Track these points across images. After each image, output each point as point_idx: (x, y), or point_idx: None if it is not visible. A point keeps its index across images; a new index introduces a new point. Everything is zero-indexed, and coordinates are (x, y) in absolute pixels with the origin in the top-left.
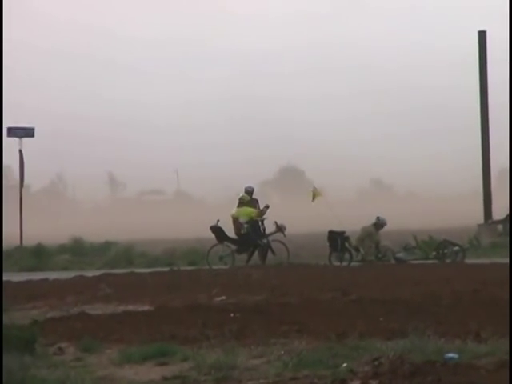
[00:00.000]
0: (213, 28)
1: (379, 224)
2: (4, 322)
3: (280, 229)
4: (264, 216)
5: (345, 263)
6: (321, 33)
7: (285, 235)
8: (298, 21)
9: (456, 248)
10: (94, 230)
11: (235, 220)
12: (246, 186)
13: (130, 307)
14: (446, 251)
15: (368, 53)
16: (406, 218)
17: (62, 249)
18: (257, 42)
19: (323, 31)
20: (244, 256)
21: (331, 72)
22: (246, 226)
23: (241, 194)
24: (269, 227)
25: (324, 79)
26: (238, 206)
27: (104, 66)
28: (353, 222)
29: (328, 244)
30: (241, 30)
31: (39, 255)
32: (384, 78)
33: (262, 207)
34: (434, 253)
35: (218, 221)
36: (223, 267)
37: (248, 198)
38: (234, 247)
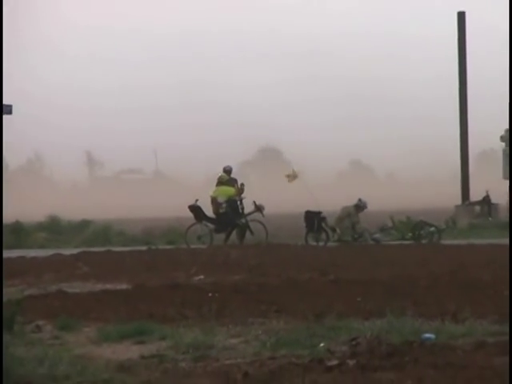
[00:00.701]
0: (170, 10)
1: (360, 206)
2: None
3: (258, 209)
4: (242, 195)
5: (321, 243)
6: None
7: (263, 215)
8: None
9: (432, 229)
10: (72, 209)
11: (214, 199)
12: (225, 165)
13: (108, 286)
14: (422, 232)
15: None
16: (384, 199)
17: (40, 227)
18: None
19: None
20: (222, 235)
21: (289, 56)
22: (224, 205)
23: (220, 174)
24: (247, 207)
25: (285, 63)
26: (217, 186)
27: (78, 51)
28: (331, 204)
29: (305, 224)
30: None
31: (17, 233)
32: (360, 63)
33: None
34: (410, 234)
35: (196, 200)
36: (201, 246)
37: (227, 178)
38: (212, 226)
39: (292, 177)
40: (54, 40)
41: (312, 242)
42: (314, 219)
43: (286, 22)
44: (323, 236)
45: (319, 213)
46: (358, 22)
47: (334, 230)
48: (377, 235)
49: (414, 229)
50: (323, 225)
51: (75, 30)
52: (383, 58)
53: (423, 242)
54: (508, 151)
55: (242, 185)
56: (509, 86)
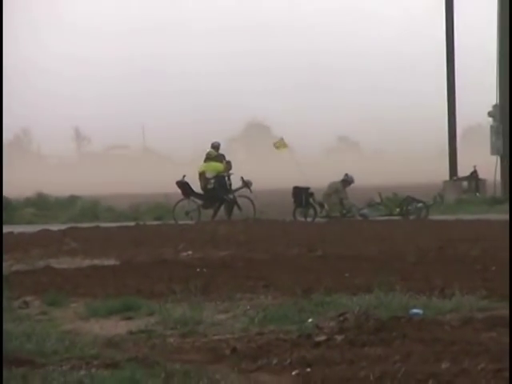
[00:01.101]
0: None
1: (347, 181)
2: None
3: (246, 184)
4: (230, 171)
5: (309, 219)
6: None
7: (251, 191)
8: None
9: (419, 204)
10: (60, 185)
11: (202, 175)
12: (213, 141)
13: (96, 261)
14: (409, 208)
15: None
16: (372, 175)
17: (27, 202)
18: None
19: None
20: (210, 211)
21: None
22: (212, 180)
23: (208, 150)
24: (235, 183)
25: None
26: (205, 161)
27: (64, 23)
28: (319, 179)
29: (293, 200)
30: None
31: (4, 209)
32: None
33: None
34: (398, 209)
35: (184, 176)
36: (189, 222)
37: (215, 154)
38: (200, 202)
39: (280, 145)
40: (50, 18)
41: (300, 218)
42: (301, 195)
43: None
44: (311, 212)
45: (307, 188)
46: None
47: (322, 205)
48: (364, 211)
49: (402, 204)
50: (311, 200)
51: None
52: (369, 32)
53: (411, 217)
54: (496, 127)
55: (229, 162)
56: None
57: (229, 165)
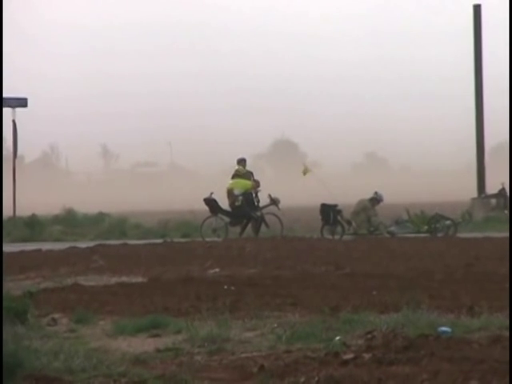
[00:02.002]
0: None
1: (376, 199)
2: None
3: (274, 202)
4: (258, 188)
5: (337, 236)
6: None
7: (279, 208)
8: None
9: (448, 222)
10: (88, 202)
11: (230, 192)
12: (239, 157)
13: (124, 279)
14: (437, 225)
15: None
16: (399, 191)
17: (56, 220)
18: None
19: None
20: (237, 228)
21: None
22: (240, 197)
23: (237, 167)
24: (263, 200)
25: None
26: (233, 178)
27: (96, 36)
28: (346, 196)
29: (320, 217)
30: None
31: (32, 226)
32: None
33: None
34: (426, 227)
35: (211, 193)
36: (216, 239)
37: (243, 171)
38: (227, 219)
39: (307, 171)
40: (74, 32)
41: (328, 235)
42: (329, 212)
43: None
44: (339, 229)
45: (335, 206)
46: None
47: (349, 223)
48: (392, 228)
49: (430, 222)
50: (339, 218)
51: (96, 23)
52: (398, 55)
53: (439, 235)
54: None
55: (257, 181)
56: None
57: (257, 183)
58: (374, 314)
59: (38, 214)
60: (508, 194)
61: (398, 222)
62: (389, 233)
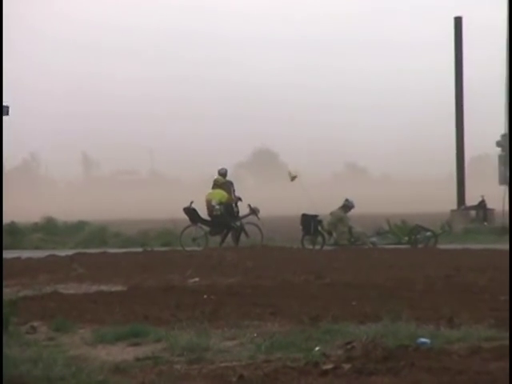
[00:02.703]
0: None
1: (347, 206)
2: None
3: (254, 211)
4: (238, 197)
5: (318, 247)
6: None
7: (258, 218)
8: None
9: (428, 233)
10: (68, 210)
11: (208, 202)
12: (219, 168)
13: (103, 287)
14: (418, 236)
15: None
16: (380, 202)
17: (35, 228)
18: None
19: None
20: (217, 238)
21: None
22: (218, 207)
23: (215, 177)
24: (242, 210)
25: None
26: (213, 188)
27: (76, 44)
28: (327, 206)
29: (301, 227)
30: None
31: (12, 234)
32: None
33: (236, 189)
34: (407, 238)
35: (191, 202)
36: (196, 249)
37: (222, 181)
38: (207, 229)
39: (294, 176)
40: (50, 34)
41: (308, 246)
42: (310, 222)
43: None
44: (319, 239)
45: (316, 216)
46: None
47: (330, 233)
48: (373, 239)
49: (411, 233)
50: (320, 228)
51: (73, 24)
52: (379, 65)
53: (419, 246)
54: (504, 157)
55: (238, 198)
56: (507, 90)
57: (237, 198)
58: (353, 325)
59: (18, 222)
60: (487, 205)
61: (379, 233)
62: (369, 243)
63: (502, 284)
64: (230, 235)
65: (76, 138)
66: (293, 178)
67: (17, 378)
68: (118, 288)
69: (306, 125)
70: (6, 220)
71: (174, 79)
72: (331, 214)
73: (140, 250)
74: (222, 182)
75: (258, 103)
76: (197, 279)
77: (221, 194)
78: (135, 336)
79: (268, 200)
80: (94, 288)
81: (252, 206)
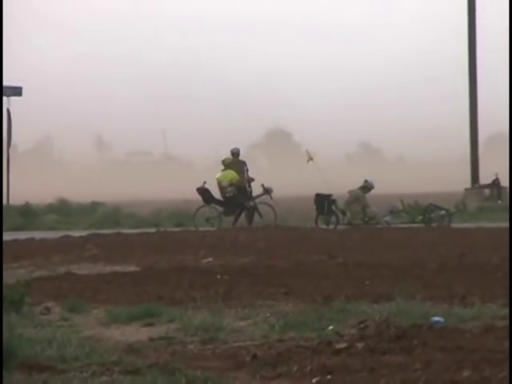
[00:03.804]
0: None
1: (367, 187)
2: None
3: (267, 191)
4: (251, 177)
5: (331, 226)
6: None
7: (272, 198)
8: None
9: (442, 212)
10: (81, 191)
11: (219, 183)
12: (232, 148)
13: (117, 268)
14: (432, 215)
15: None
16: (393, 182)
17: (49, 209)
18: None
19: None
20: (231, 218)
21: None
22: (229, 189)
23: (224, 157)
24: (256, 190)
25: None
26: (223, 169)
27: (90, 27)
28: (341, 186)
29: (315, 207)
30: None
31: (26, 215)
32: (376, 40)
33: (249, 169)
34: (421, 217)
35: (204, 182)
36: (210, 229)
37: (229, 160)
38: (220, 209)
39: (310, 158)
40: (67, 20)
41: (322, 225)
42: (324, 202)
43: None
44: (333, 219)
45: (329, 195)
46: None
47: (344, 212)
48: (387, 218)
49: (425, 212)
50: (333, 208)
51: (89, 11)
52: (393, 45)
53: (433, 225)
54: None
55: (250, 179)
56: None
57: (249, 179)
58: (367, 304)
59: (32, 203)
60: (501, 184)
61: (392, 213)
62: (383, 223)
63: None
64: (243, 215)
65: (89, 120)
66: (309, 160)
67: (31, 359)
68: (132, 268)
69: (319, 106)
70: (20, 201)
71: (187, 62)
72: (349, 192)
73: (153, 230)
74: (231, 162)
75: (271, 87)
76: (210, 259)
77: (232, 175)
78: (149, 316)
79: (281, 180)
80: (108, 269)
81: (265, 185)
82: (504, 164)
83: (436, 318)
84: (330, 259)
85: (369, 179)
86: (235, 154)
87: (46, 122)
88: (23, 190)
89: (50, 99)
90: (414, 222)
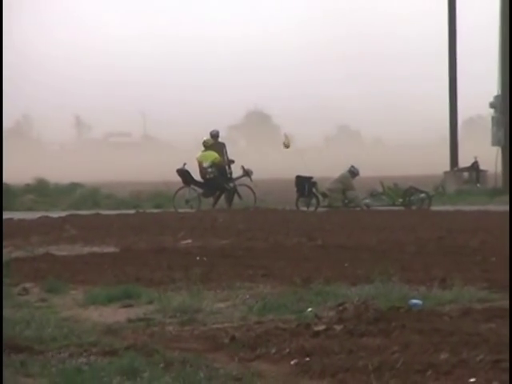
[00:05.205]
0: None
1: (353, 172)
2: None
3: (247, 173)
4: (231, 159)
5: (311, 208)
6: None
7: (251, 180)
8: None
9: (422, 195)
10: (60, 172)
11: (200, 164)
12: (212, 130)
13: (96, 249)
14: (412, 198)
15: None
16: (373, 164)
17: (28, 189)
18: None
19: None
20: (210, 200)
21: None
22: (210, 170)
23: (204, 138)
24: (235, 172)
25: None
26: (204, 150)
27: (64, 9)
28: (320, 169)
29: (295, 189)
30: None
31: (4, 195)
32: (352, 25)
33: (228, 151)
34: (401, 199)
35: (184, 164)
36: (189, 210)
37: (211, 142)
38: (200, 190)
39: (288, 144)
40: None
41: (302, 207)
42: (304, 184)
43: None
44: (313, 201)
45: (310, 178)
46: None
47: (324, 195)
48: (367, 201)
49: (405, 195)
50: (314, 190)
51: None
52: (371, 20)
53: (413, 207)
54: (496, 118)
55: (231, 160)
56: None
57: (230, 161)
58: (345, 286)
59: (10, 183)
60: (480, 167)
61: (372, 195)
62: (364, 205)
63: (494, 246)
64: (223, 197)
65: (69, 101)
66: (286, 146)
67: (9, 339)
68: (111, 249)
69: (298, 87)
70: None
71: (168, 50)
72: (343, 176)
73: (132, 211)
74: (212, 144)
75: (249, 68)
76: (189, 241)
77: (213, 156)
78: (127, 297)
79: (260, 162)
80: (87, 249)
81: (245, 167)
82: (483, 147)
83: (414, 301)
84: (310, 241)
85: (354, 165)
86: (214, 135)
87: (25, 102)
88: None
89: (29, 79)
90: (393, 205)
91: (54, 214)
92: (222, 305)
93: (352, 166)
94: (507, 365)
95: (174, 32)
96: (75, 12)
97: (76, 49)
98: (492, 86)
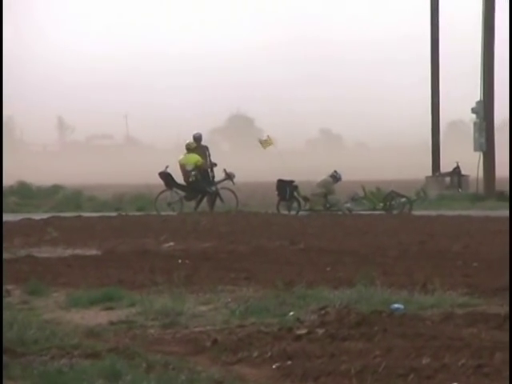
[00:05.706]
0: None
1: (335, 177)
2: None
3: (229, 176)
4: (214, 162)
5: (293, 212)
6: None
7: (234, 183)
8: None
9: (403, 199)
10: (42, 174)
11: (182, 167)
12: (194, 132)
13: (78, 251)
14: (393, 202)
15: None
16: (354, 168)
17: (9, 191)
18: None
19: None
20: (192, 203)
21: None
22: (193, 173)
23: (187, 141)
24: (218, 175)
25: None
26: (186, 153)
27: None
28: (302, 172)
29: (277, 193)
30: None
31: None
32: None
33: (211, 154)
34: (382, 204)
35: (166, 167)
36: (171, 213)
37: (194, 145)
38: (182, 194)
39: (266, 143)
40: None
41: (284, 211)
42: (286, 188)
43: None
44: (295, 205)
45: (292, 181)
46: None
47: (306, 199)
48: (348, 205)
49: (386, 199)
50: (295, 194)
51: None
52: (353, 24)
53: (394, 212)
54: (478, 124)
55: (213, 163)
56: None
57: (212, 164)
58: (327, 290)
59: None
60: (461, 172)
61: (353, 199)
62: (346, 209)
63: (475, 251)
64: (205, 200)
65: (51, 103)
66: (265, 146)
67: None
68: (93, 252)
69: (281, 91)
70: None
71: (150, 52)
72: (326, 181)
73: (115, 214)
74: (195, 147)
75: (232, 71)
76: (171, 244)
77: (196, 158)
78: (109, 300)
79: (243, 165)
80: (69, 252)
81: (227, 171)
82: (464, 152)
83: (396, 305)
84: (292, 245)
85: (338, 170)
86: (197, 138)
87: (7, 103)
88: None
89: (11, 81)
90: (375, 209)
91: (36, 216)
92: (204, 308)
93: (335, 171)
94: (489, 369)
95: (156, 34)
96: (59, 14)
97: (59, 51)
98: (474, 92)
